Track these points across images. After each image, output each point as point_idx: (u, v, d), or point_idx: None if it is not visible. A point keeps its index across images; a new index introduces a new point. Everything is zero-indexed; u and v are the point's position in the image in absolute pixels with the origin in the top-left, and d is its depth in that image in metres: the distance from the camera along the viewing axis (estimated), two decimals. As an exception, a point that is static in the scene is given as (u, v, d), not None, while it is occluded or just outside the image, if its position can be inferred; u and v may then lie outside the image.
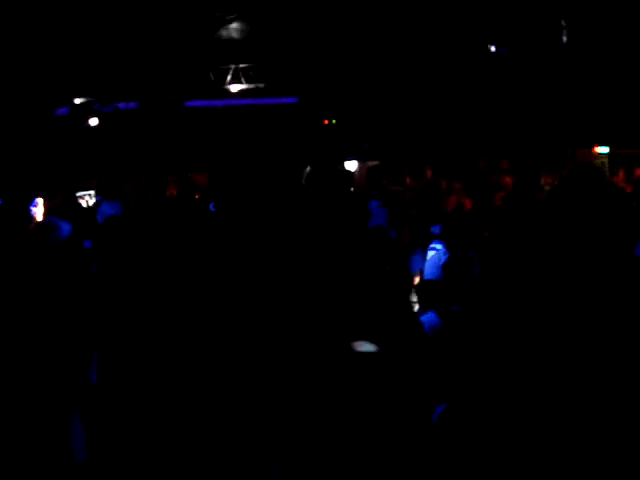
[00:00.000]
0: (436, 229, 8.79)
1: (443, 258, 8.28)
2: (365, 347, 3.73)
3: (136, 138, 12.41)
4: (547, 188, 12.17)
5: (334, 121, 14.28)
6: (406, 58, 12.52)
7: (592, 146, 13.61)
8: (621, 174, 12.70)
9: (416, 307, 7.41)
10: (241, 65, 13.80)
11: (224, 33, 13.02)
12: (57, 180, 11.54)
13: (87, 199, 11.80)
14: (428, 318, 5.81)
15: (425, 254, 8.71)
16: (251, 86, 13.86)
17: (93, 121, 12.28)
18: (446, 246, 8.06)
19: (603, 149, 13.69)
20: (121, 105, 12.49)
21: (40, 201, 10.50)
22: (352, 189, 12.84)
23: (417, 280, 7.87)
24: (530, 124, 13.30)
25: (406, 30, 11.97)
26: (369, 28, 12.13)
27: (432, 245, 8.49)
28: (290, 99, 14.19)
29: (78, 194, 11.62)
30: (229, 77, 13.81)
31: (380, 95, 13.35)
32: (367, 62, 12.74)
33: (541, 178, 12.82)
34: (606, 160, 13.56)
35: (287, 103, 14.15)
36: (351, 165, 12.86)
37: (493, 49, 12.60)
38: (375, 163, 12.96)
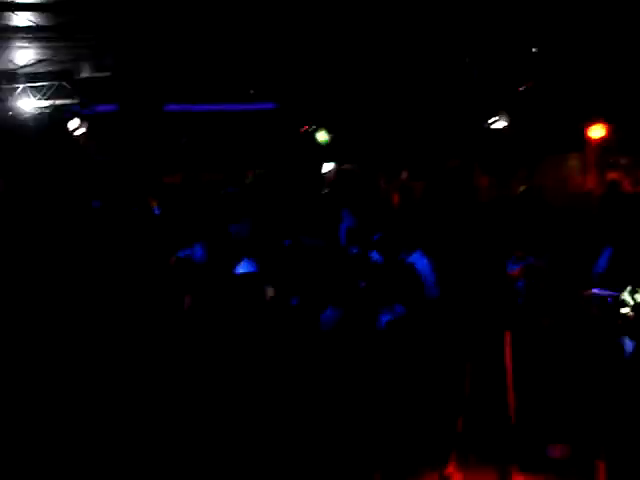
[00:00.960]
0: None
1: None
2: None
3: (115, 141, 12.55)
4: (522, 188, 12.45)
5: (314, 127, 14.45)
6: (381, 65, 12.70)
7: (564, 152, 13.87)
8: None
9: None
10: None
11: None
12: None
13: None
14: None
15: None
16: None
17: (73, 123, 12.38)
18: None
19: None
20: (100, 108, 12.62)
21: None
22: (326, 191, 13.04)
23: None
24: (502, 129, 13.55)
25: (380, 38, 12.14)
26: (345, 35, 12.31)
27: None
28: (269, 105, 14.36)
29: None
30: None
31: (356, 100, 13.54)
32: (343, 69, 12.92)
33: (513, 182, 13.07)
34: (576, 163, 13.82)
35: (266, 109, 14.33)
36: (327, 167, 13.03)
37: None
38: (348, 166, 13.16)
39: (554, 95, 12.90)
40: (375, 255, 8.32)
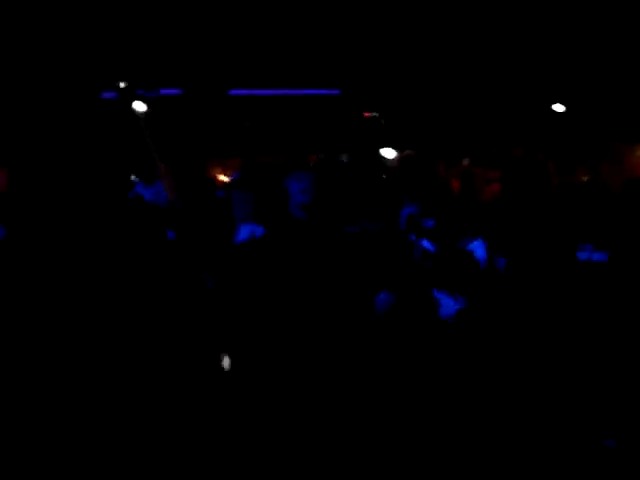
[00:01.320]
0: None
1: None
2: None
3: (178, 124, 12.67)
4: (585, 178, 12.26)
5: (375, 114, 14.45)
6: (442, 50, 12.65)
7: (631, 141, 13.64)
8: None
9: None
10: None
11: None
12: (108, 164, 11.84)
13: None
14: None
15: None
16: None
17: (139, 106, 12.46)
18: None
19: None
20: (165, 91, 12.73)
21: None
22: (384, 176, 13.01)
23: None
24: (567, 117, 13.37)
25: (440, 22, 12.10)
26: (405, 21, 12.29)
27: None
28: (332, 91, 14.40)
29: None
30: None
31: (418, 86, 13.51)
32: (405, 54, 12.90)
33: (578, 171, 12.86)
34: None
35: (329, 95, 14.38)
36: (388, 153, 13.01)
37: None
38: (409, 152, 13.07)
39: (622, 84, 12.71)
40: (426, 243, 8.23)
